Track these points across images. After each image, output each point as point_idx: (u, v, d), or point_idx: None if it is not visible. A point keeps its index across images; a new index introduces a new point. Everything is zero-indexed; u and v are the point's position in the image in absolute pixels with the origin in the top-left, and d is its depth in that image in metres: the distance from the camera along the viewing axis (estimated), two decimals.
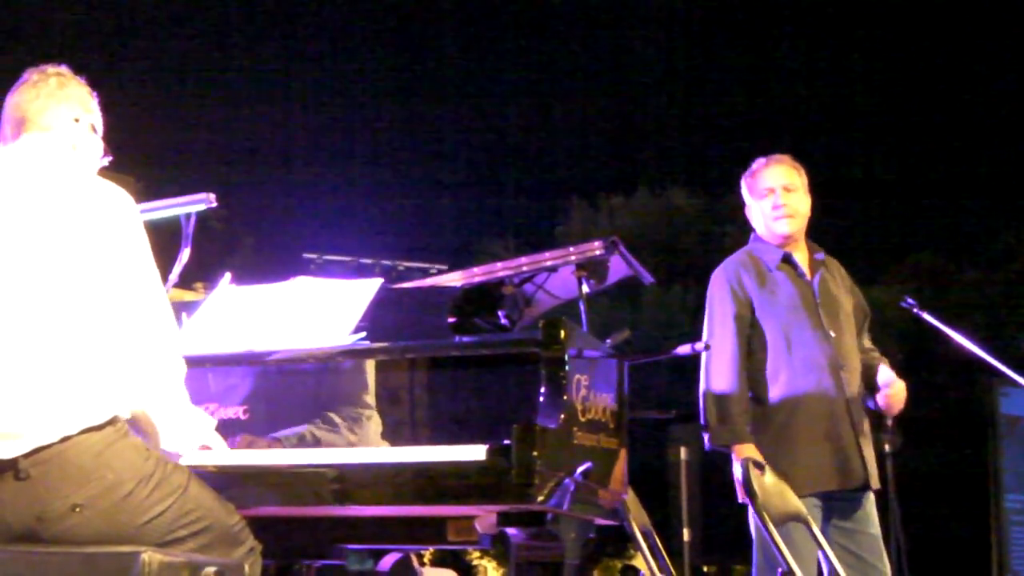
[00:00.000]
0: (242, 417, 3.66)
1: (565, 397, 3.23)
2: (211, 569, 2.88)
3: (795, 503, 4.29)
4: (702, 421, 4.81)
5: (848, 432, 4.68)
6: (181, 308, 3.93)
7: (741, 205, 5.04)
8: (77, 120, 3.32)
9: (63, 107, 3.30)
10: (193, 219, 4.14)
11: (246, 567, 3.05)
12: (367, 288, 3.77)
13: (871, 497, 4.75)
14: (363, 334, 3.63)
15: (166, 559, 2.80)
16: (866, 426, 4.78)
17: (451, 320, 3.66)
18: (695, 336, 4.94)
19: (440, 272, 4.73)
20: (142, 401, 3.02)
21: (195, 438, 3.20)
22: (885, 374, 4.75)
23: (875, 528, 4.73)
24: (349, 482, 3.24)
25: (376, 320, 3.67)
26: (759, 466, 4.18)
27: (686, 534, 7.31)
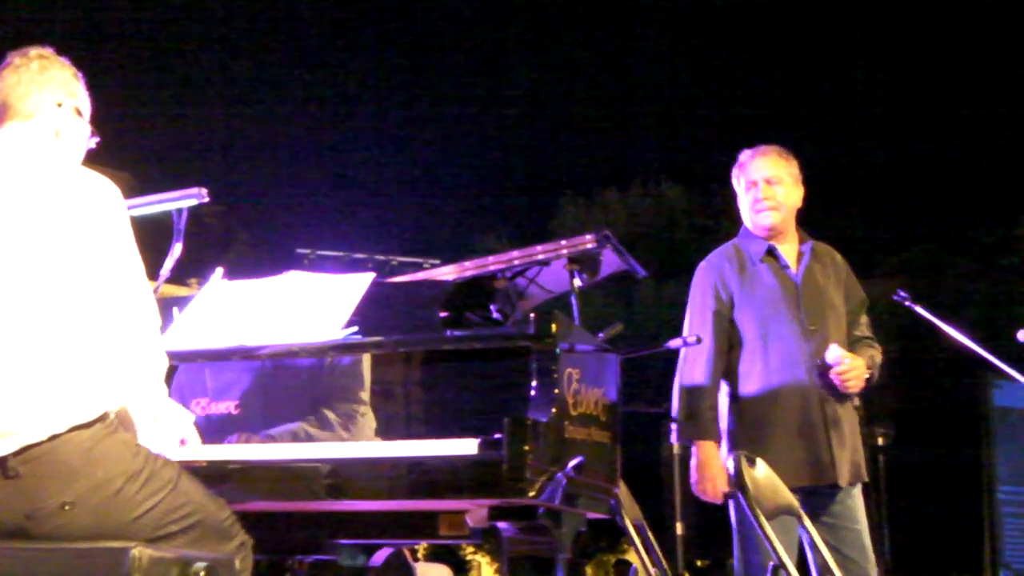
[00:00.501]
0: (234, 412, 3.66)
1: (556, 391, 3.23)
2: (201, 564, 2.87)
3: (787, 496, 4.28)
4: (672, 415, 4.82)
5: (820, 429, 4.65)
6: (173, 303, 3.93)
7: (734, 198, 5.04)
8: (60, 105, 3.26)
9: (45, 92, 3.24)
10: (184, 214, 4.13)
11: (237, 562, 3.04)
12: (359, 282, 3.76)
13: (853, 492, 4.71)
14: (355, 328, 3.63)
15: (156, 554, 2.79)
16: (848, 422, 4.74)
17: (443, 314, 3.66)
18: None
19: (433, 267, 4.71)
20: (124, 395, 3.00)
21: (173, 433, 3.18)
22: (833, 353, 4.65)
23: (857, 523, 4.68)
24: (340, 477, 3.24)
25: (368, 314, 3.66)
26: (751, 459, 4.17)
27: (679, 528, 7.33)
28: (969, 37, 30.17)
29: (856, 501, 4.71)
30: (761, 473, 4.20)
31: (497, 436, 3.08)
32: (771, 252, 4.84)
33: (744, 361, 4.76)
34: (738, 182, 4.97)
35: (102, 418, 2.91)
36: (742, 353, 4.77)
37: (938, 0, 30.70)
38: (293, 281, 3.90)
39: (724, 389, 4.81)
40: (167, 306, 3.80)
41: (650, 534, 5.11)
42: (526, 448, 3.06)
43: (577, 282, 4.31)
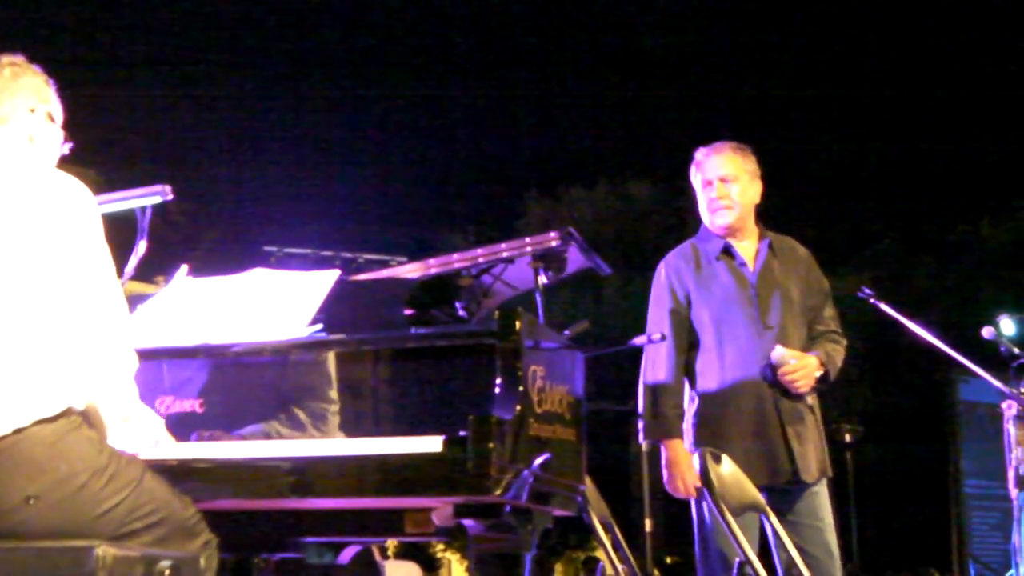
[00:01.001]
0: (198, 411, 3.64)
1: (521, 388, 3.22)
2: (166, 563, 2.87)
3: (753, 493, 4.30)
4: (638, 413, 4.83)
5: (775, 428, 4.66)
6: (137, 301, 3.91)
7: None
8: (33, 110, 3.29)
9: (17, 98, 3.27)
10: (148, 212, 4.11)
11: (202, 560, 3.03)
12: (324, 280, 3.76)
13: (816, 489, 4.71)
14: (320, 326, 3.63)
15: (121, 553, 2.79)
16: (809, 417, 4.74)
17: (408, 312, 3.66)
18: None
19: (400, 264, 4.71)
20: (92, 395, 3.00)
21: (145, 435, 3.17)
22: (776, 353, 4.65)
23: (820, 520, 4.69)
24: (305, 474, 3.23)
25: (333, 312, 3.66)
26: (716, 456, 4.19)
27: (648, 525, 7.34)
28: (938, 35, 30.32)
29: (820, 498, 4.71)
30: (727, 470, 4.21)
31: (462, 434, 3.08)
32: (727, 250, 4.84)
33: (701, 360, 4.78)
34: (695, 180, 4.97)
35: (66, 413, 2.91)
36: (699, 352, 4.79)
37: None
38: (258, 278, 3.89)
39: (685, 387, 4.82)
40: (132, 304, 3.78)
41: (618, 531, 5.13)
42: (491, 446, 3.06)
43: (542, 279, 4.31)
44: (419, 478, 3.11)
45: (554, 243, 4.24)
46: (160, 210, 4.18)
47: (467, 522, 3.31)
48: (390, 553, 15.17)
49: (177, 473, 3.24)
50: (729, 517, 4.07)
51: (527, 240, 4.26)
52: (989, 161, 25.48)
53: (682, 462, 4.68)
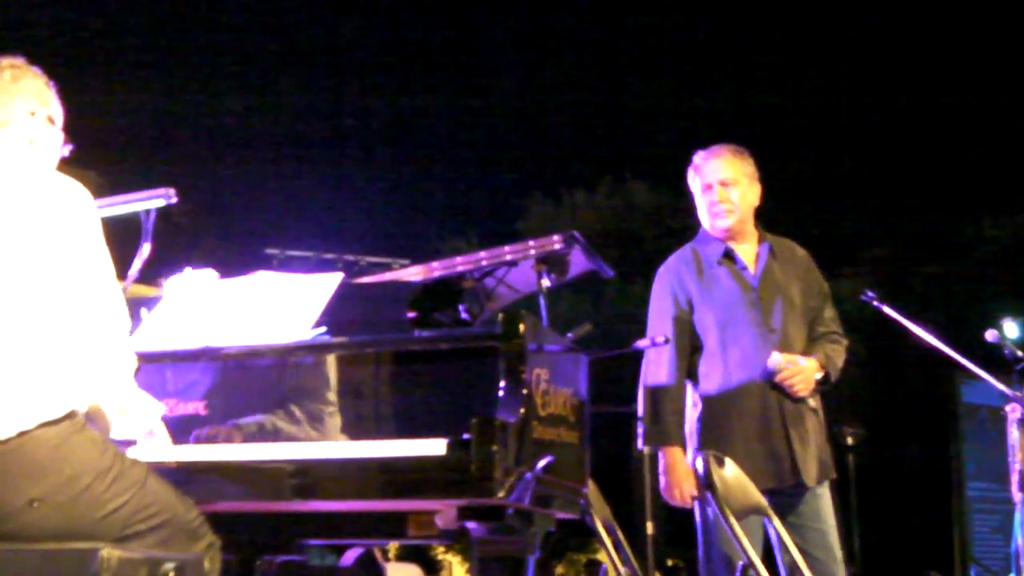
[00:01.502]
0: (202, 413, 3.64)
1: (524, 391, 3.23)
2: (171, 564, 2.88)
3: (756, 496, 4.29)
4: (639, 417, 4.83)
5: (779, 431, 4.66)
6: (141, 303, 3.92)
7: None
8: (33, 113, 3.29)
9: (17, 101, 3.27)
10: (153, 215, 4.12)
11: (206, 562, 3.04)
12: (328, 282, 3.76)
13: (819, 492, 4.71)
14: (323, 329, 3.63)
15: (125, 555, 2.79)
16: (810, 422, 4.74)
17: (411, 315, 3.66)
18: None
19: (402, 267, 4.71)
20: (93, 395, 3.01)
21: (141, 425, 3.19)
22: (773, 359, 4.65)
23: (823, 523, 4.69)
24: (309, 477, 3.24)
25: (336, 315, 3.66)
26: (719, 459, 4.18)
27: (650, 527, 7.33)
28: (938, 37, 30.30)
29: (822, 500, 4.71)
30: (730, 473, 4.21)
31: (466, 437, 3.08)
32: (728, 254, 4.84)
33: (704, 364, 4.77)
34: (694, 183, 4.96)
35: (70, 415, 2.91)
36: (702, 356, 4.78)
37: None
38: (262, 281, 3.89)
39: (689, 391, 4.82)
40: (136, 307, 3.79)
41: (620, 534, 5.12)
42: (494, 448, 3.06)
43: (545, 282, 4.31)
44: (423, 480, 3.12)
45: (557, 246, 4.23)
46: (163, 213, 4.19)
47: (471, 525, 3.32)
48: (391, 555, 15.16)
49: (180, 475, 3.25)
50: (732, 520, 4.07)
51: (530, 243, 4.26)
52: (991, 161, 25.45)
53: (679, 469, 4.67)
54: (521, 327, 3.29)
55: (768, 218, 4.99)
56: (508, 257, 4.25)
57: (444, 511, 3.33)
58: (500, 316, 3.33)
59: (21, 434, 2.83)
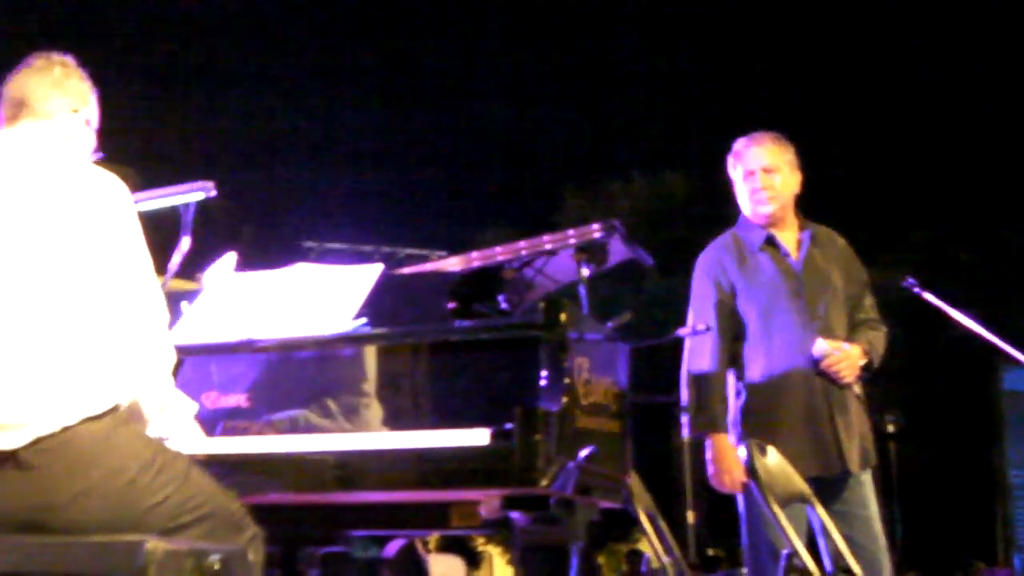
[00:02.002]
0: (244, 405, 3.65)
1: (567, 380, 3.22)
2: (216, 556, 2.87)
3: (800, 484, 4.28)
4: (682, 406, 4.81)
5: (825, 419, 4.64)
6: (181, 297, 3.93)
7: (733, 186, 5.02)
8: (76, 111, 3.34)
9: (64, 97, 3.31)
10: (192, 208, 4.13)
11: (250, 554, 3.04)
12: (368, 274, 3.77)
13: (863, 478, 4.69)
14: (364, 320, 3.63)
15: (171, 547, 2.79)
16: (854, 409, 4.72)
17: (451, 305, 3.66)
18: None
19: (440, 258, 4.70)
20: (134, 389, 3.02)
21: (178, 423, 3.22)
22: (818, 347, 4.64)
23: (867, 510, 4.66)
24: (352, 468, 3.25)
25: (377, 306, 3.67)
26: (762, 448, 4.17)
27: (690, 517, 7.34)
28: (979, 25, 30.08)
29: (866, 487, 4.69)
30: (773, 461, 4.20)
31: (508, 426, 3.08)
32: (770, 241, 4.82)
33: (748, 351, 4.76)
34: (734, 171, 4.95)
35: (113, 410, 2.92)
36: (746, 343, 4.76)
37: None
38: (302, 273, 3.90)
39: (731, 378, 4.80)
40: (175, 300, 3.80)
41: (662, 523, 5.11)
42: (537, 438, 3.06)
43: (585, 272, 4.30)
44: (466, 471, 3.12)
45: (597, 235, 4.21)
46: (201, 207, 4.20)
47: (514, 514, 3.32)
48: (431, 547, 15.19)
49: (224, 468, 3.26)
50: (776, 508, 4.06)
51: (570, 232, 4.24)
52: None
53: (728, 457, 4.65)
54: (563, 316, 3.28)
55: (808, 205, 4.97)
56: (548, 246, 4.23)
57: (487, 501, 3.33)
58: (541, 305, 3.33)
59: (65, 429, 2.84)
